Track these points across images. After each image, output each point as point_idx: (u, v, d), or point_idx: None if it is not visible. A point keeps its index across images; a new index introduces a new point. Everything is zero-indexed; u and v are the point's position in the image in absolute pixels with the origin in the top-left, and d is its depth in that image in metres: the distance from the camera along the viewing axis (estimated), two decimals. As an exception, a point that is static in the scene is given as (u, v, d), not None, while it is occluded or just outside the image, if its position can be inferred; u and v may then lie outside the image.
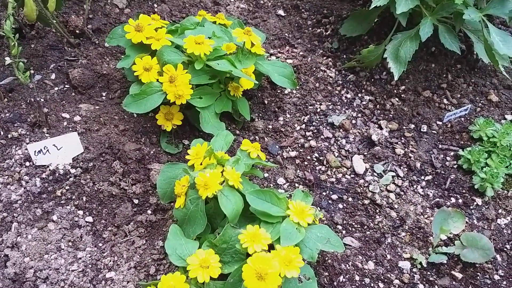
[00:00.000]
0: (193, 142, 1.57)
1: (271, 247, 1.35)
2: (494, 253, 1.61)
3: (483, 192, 1.78)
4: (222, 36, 1.72)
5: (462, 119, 1.99)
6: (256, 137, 1.89)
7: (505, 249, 1.67)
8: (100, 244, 1.62)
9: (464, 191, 1.80)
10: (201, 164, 1.48)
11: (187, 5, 2.32)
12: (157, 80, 1.65)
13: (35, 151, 1.72)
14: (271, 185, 1.77)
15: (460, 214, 1.64)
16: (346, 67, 2.10)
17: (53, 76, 2.00)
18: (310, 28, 2.29)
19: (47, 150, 1.73)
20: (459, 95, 2.07)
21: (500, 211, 1.76)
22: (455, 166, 1.86)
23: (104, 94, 1.98)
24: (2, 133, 1.81)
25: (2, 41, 2.06)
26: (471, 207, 1.77)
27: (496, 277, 1.60)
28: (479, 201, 1.77)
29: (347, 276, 1.56)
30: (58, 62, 2.05)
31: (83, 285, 1.51)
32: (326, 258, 1.59)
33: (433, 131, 1.96)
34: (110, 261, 1.57)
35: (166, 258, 1.57)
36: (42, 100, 1.90)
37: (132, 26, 1.70)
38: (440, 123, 1.98)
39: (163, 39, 1.69)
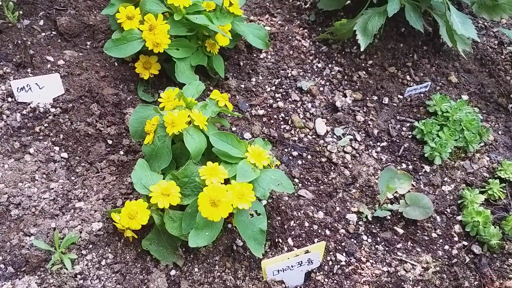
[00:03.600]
0: (166, 89, 1.69)
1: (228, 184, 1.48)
2: (433, 212, 1.76)
3: (432, 160, 1.93)
4: (202, -7, 1.84)
5: (422, 95, 2.14)
6: (229, 94, 2.02)
7: (445, 212, 1.82)
8: (73, 178, 1.73)
9: (415, 158, 1.95)
10: (171, 106, 1.60)
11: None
12: (138, 29, 1.77)
13: (17, 88, 1.82)
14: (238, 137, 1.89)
15: (407, 176, 1.79)
16: (319, 39, 2.23)
17: (41, 23, 2.10)
18: (290, 0, 2.41)
19: (30, 88, 1.83)
20: (422, 74, 2.22)
21: (445, 179, 1.91)
22: (409, 136, 2.01)
23: (88, 43, 2.08)
24: (-13, 70, 1.90)
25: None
26: (420, 173, 1.92)
27: (434, 235, 1.75)
28: (427, 168, 1.93)
29: (297, 222, 1.69)
30: (48, 10, 2.15)
31: (53, 212, 1.63)
32: (280, 205, 1.72)
33: (394, 104, 2.11)
34: (81, 192, 1.69)
35: (133, 193, 1.69)
36: (29, 43, 2.00)
37: (118, -23, 1.81)
38: (401, 97, 2.13)
39: (147, -9, 1.80)
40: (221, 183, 1.43)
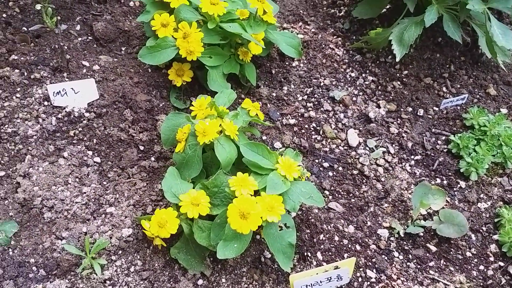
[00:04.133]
0: (198, 96, 1.69)
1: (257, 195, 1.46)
2: (468, 230, 1.71)
3: (467, 176, 1.87)
4: (236, 1, 1.83)
5: (458, 107, 2.08)
6: (260, 102, 2.00)
7: (481, 231, 1.76)
8: (105, 183, 1.75)
9: (450, 173, 1.89)
10: (203, 115, 1.60)
11: (210, -26, 2.43)
12: (172, 36, 1.78)
13: (54, 92, 1.85)
14: (268, 147, 1.88)
15: (441, 192, 1.73)
16: (353, 47, 2.19)
17: (78, 27, 2.14)
18: (324, 8, 2.39)
19: (65, 93, 1.87)
20: (458, 85, 2.15)
21: (481, 195, 1.85)
22: (445, 150, 1.95)
23: (123, 48, 2.11)
24: (25, 73, 1.94)
25: (34, -10, 2.20)
26: (455, 189, 1.86)
27: (468, 254, 1.70)
28: (463, 184, 1.87)
29: (327, 236, 1.67)
30: (84, 15, 2.18)
31: (85, 216, 1.65)
32: (310, 218, 1.70)
33: (429, 116, 2.05)
34: (112, 198, 1.71)
35: (163, 200, 1.70)
36: (66, 47, 2.04)
37: (154, -16, 1.83)
38: (437, 109, 2.07)
39: (182, -2, 1.81)
40: (251, 195, 1.42)
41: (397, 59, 1.94)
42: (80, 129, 1.83)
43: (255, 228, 1.36)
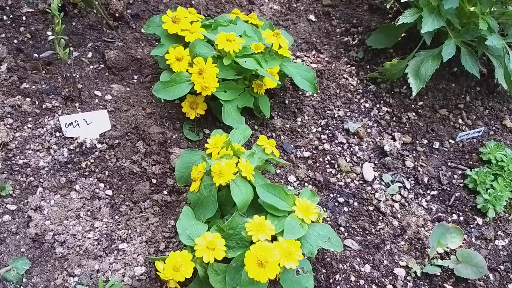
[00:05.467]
0: (213, 132, 1.67)
1: (274, 239, 1.44)
2: (487, 271, 1.68)
3: (485, 212, 1.84)
4: (252, 35, 1.82)
5: (474, 140, 2.05)
6: (273, 134, 1.98)
7: (499, 270, 1.73)
8: (117, 217, 1.73)
9: (466, 209, 1.87)
10: (218, 153, 1.57)
11: (222, 0, 2.42)
12: (187, 71, 1.76)
13: (66, 123, 1.84)
14: (282, 181, 1.86)
15: (459, 230, 1.70)
16: (368, 77, 2.17)
17: (89, 55, 2.12)
18: (338, 36, 2.36)
19: (77, 124, 1.85)
20: (474, 117, 2.12)
21: (499, 232, 1.82)
22: (461, 185, 1.93)
23: (135, 77, 2.09)
24: (37, 102, 1.93)
25: (46, 16, 2.19)
26: (472, 225, 1.83)
27: (487, 294, 1.67)
28: (480, 220, 1.84)
29: (343, 276, 1.64)
30: (96, 42, 2.17)
31: (97, 253, 1.63)
32: (325, 257, 1.67)
33: (445, 149, 2.03)
34: (124, 233, 1.69)
35: (176, 237, 1.68)
36: (78, 76, 2.02)
37: (169, 17, 1.81)
38: (453, 141, 2.04)
39: (197, 33, 1.79)
40: (268, 240, 1.40)
41: (413, 94, 1.91)
42: (92, 160, 1.81)
43: (273, 276, 1.33)
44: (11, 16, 2.15)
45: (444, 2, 1.80)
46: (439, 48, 1.92)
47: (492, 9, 1.98)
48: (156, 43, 2.18)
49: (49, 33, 1.97)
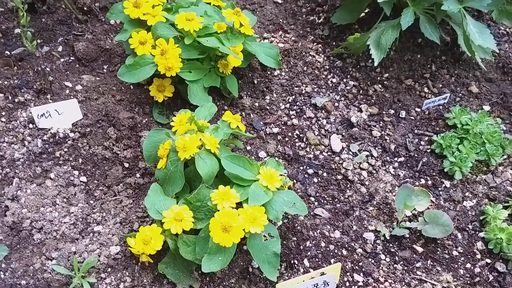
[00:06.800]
0: (179, 112, 1.71)
1: (241, 207, 1.48)
2: (453, 229, 1.72)
3: (452, 175, 1.88)
4: (213, 15, 1.86)
5: (440, 107, 2.09)
6: (243, 113, 2.02)
7: (467, 229, 1.77)
8: (91, 201, 1.77)
9: (434, 173, 1.91)
10: (183, 130, 1.61)
11: (189, -12, 2.46)
12: (150, 53, 1.80)
13: (38, 115, 1.87)
14: (253, 157, 1.90)
15: (425, 193, 1.75)
16: (334, 53, 2.21)
17: (60, 49, 2.16)
18: (304, 16, 2.41)
19: (49, 114, 1.89)
20: (440, 85, 2.17)
21: (467, 194, 1.86)
22: (428, 151, 1.97)
23: (105, 67, 2.13)
24: (10, 97, 1.96)
25: (16, 15, 2.22)
26: (440, 188, 1.87)
27: (455, 253, 1.71)
28: (447, 183, 1.88)
29: (313, 242, 1.68)
30: (66, 36, 2.21)
31: (73, 236, 1.67)
32: (296, 225, 1.71)
33: (411, 117, 2.07)
34: (99, 216, 1.72)
35: (149, 216, 1.71)
36: (48, 69, 2.06)
37: (130, 3, 1.85)
38: (419, 110, 2.09)
39: (158, 16, 1.83)
40: (233, 207, 1.44)
41: (375, 64, 1.96)
42: (65, 149, 1.85)
43: (237, 240, 1.37)
44: (-19, 16, 2.19)
45: (399, -28, 1.85)
46: (398, 19, 1.96)
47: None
48: (124, 32, 2.22)
49: (17, 29, 2.01)
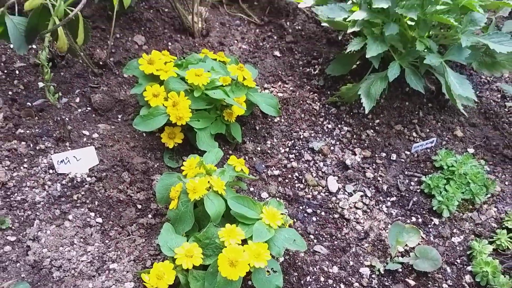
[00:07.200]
0: (189, 157, 1.88)
1: (246, 244, 1.62)
2: (443, 263, 1.85)
3: (440, 213, 2.04)
4: (219, 70, 2.07)
5: (428, 150, 2.27)
6: (246, 157, 2.20)
7: (455, 263, 1.91)
8: (107, 241, 1.90)
9: (424, 212, 2.06)
10: (193, 173, 1.78)
11: (196, 44, 2.69)
12: (163, 105, 1.99)
13: (58, 161, 2.04)
14: (256, 198, 2.05)
15: (416, 230, 1.89)
16: (329, 102, 2.41)
17: (77, 100, 2.35)
18: (300, 68, 2.63)
19: (68, 161, 2.05)
20: (427, 130, 2.36)
21: (454, 230, 2.01)
22: (418, 190, 2.13)
23: (120, 116, 2.32)
24: (31, 145, 2.14)
25: (37, 69, 2.43)
26: (429, 226, 2.02)
27: (445, 286, 1.84)
28: (436, 221, 2.03)
29: (313, 277, 1.81)
30: (83, 88, 2.41)
31: (90, 273, 1.79)
32: (297, 261, 1.85)
33: (402, 160, 2.24)
34: (114, 255, 1.86)
35: (160, 254, 1.85)
36: (67, 119, 2.25)
37: (145, 60, 2.06)
38: (408, 153, 2.27)
39: (170, 71, 2.04)
40: (239, 244, 1.58)
41: (366, 111, 2.15)
42: (82, 192, 2.00)
43: (243, 274, 1.51)
44: (5, 71, 2.39)
45: (385, 29, 2.07)
46: (386, 71, 2.16)
47: (432, 32, 2.25)
48: (136, 84, 2.42)
49: (40, 83, 2.21)
